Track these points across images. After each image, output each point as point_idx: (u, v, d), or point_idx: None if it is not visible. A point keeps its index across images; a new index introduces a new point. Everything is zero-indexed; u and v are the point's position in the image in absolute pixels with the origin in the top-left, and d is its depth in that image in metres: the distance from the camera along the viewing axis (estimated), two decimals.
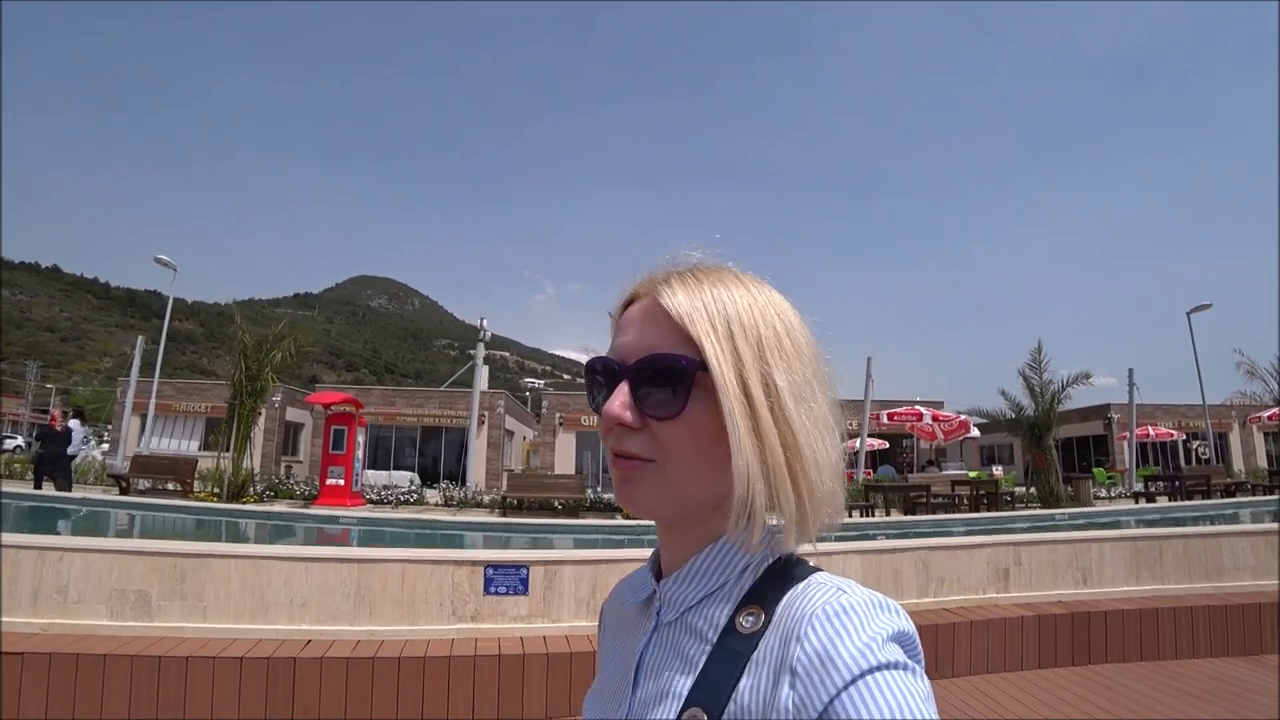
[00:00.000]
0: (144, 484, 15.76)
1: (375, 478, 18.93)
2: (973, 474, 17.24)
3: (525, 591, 4.12)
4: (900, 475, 16.12)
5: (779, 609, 0.53)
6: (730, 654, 0.52)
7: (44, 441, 14.46)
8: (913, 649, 0.49)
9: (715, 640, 0.54)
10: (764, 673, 0.49)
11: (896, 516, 11.91)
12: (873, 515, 11.33)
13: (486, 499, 13.65)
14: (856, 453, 15.89)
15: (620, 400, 0.56)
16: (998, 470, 23.29)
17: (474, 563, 4.14)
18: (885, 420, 17.03)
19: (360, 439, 14.55)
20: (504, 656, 3.75)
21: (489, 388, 28.11)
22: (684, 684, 0.53)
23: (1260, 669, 4.70)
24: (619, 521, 11.32)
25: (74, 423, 14.00)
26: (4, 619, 3.85)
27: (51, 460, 14.05)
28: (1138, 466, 18.48)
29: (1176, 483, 13.37)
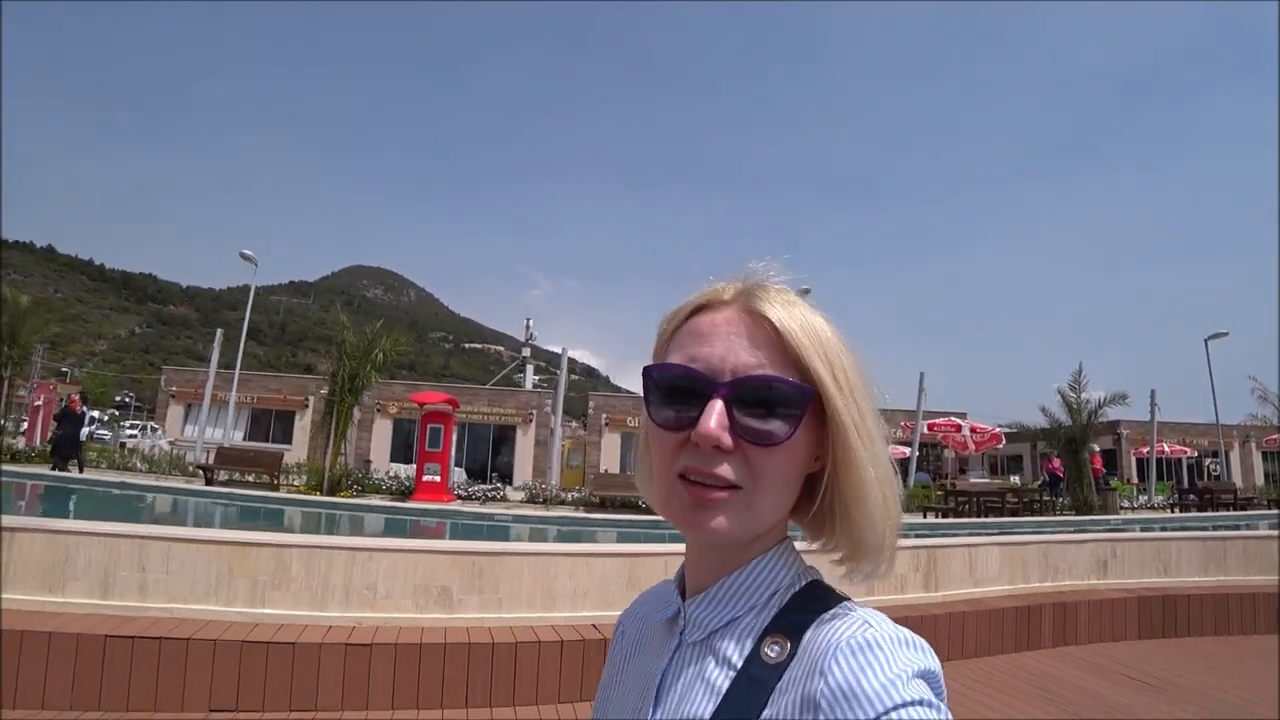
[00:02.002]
0: (223, 475, 16.57)
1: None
2: (998, 482, 18.63)
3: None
4: (935, 482, 17.51)
5: (805, 639, 0.52)
6: (754, 683, 0.51)
7: (63, 424, 15.34)
8: (937, 687, 0.48)
9: (739, 667, 0.53)
10: (787, 704, 0.49)
11: (966, 519, 13.27)
12: (959, 516, 12.75)
13: (570, 496, 14.74)
14: (906, 459, 17.23)
15: (717, 419, 0.52)
16: (1015, 479, 24.82)
17: None
18: (925, 430, 18.41)
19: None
20: None
21: (550, 388, 29.20)
22: (706, 709, 0.52)
23: None
24: None
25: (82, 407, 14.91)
26: (323, 612, 4.23)
27: (70, 442, 15.06)
28: (1157, 481, 20.17)
29: (1205, 495, 14.99)
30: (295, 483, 15.62)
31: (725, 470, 0.53)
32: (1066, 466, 15.21)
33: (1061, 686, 4.73)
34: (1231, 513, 13.81)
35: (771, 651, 0.52)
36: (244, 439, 29.66)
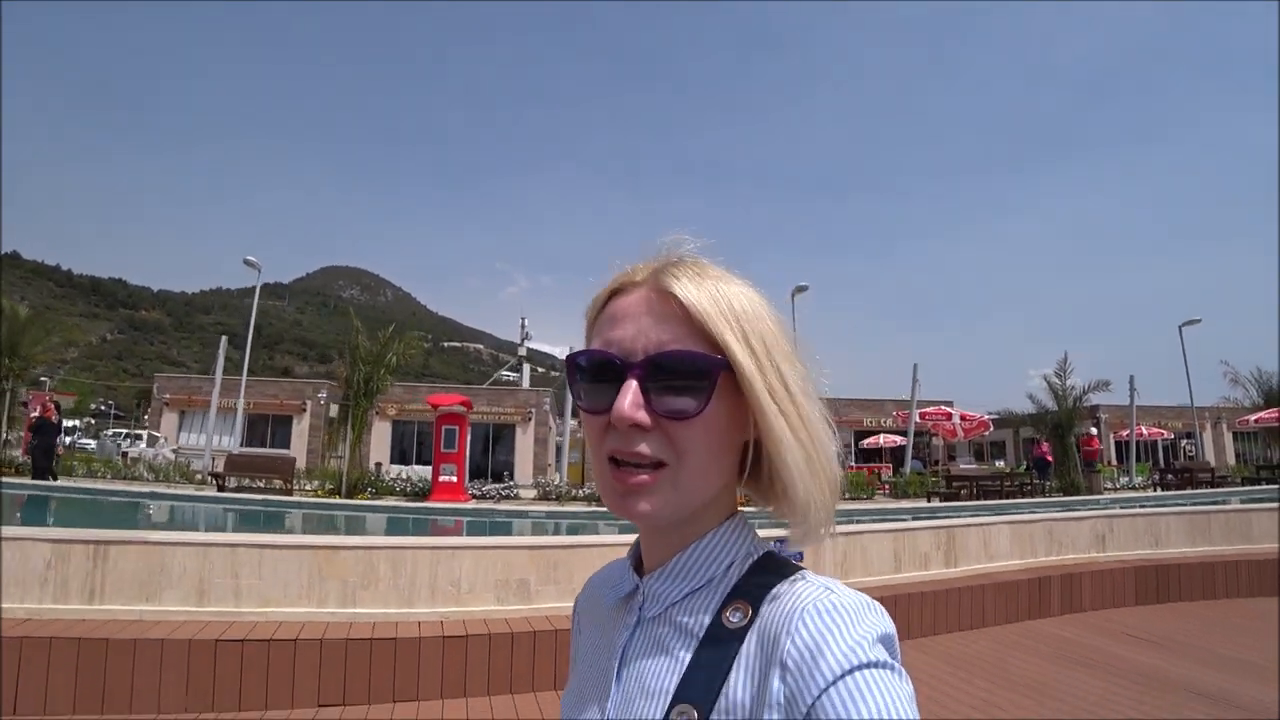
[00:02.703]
0: (231, 482, 16.65)
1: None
2: (991, 468, 19.43)
3: (801, 559, 5.82)
4: (928, 468, 18.30)
5: (766, 605, 0.52)
6: (718, 649, 0.52)
7: (39, 433, 15.22)
8: (894, 651, 0.49)
9: (702, 636, 0.54)
10: (753, 667, 0.50)
11: (954, 503, 13.96)
12: (959, 499, 13.48)
13: (582, 493, 15.17)
14: (899, 448, 17.93)
15: (631, 399, 0.53)
16: (1000, 464, 25.81)
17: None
18: (917, 419, 19.10)
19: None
20: None
21: (530, 386, 29.48)
22: (670, 681, 0.53)
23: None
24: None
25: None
26: (411, 609, 4.43)
27: (46, 451, 15.08)
28: (1137, 462, 21.18)
29: (1184, 475, 15.93)
30: (306, 487, 15.87)
31: (646, 448, 0.54)
32: (1054, 450, 16.06)
33: (1072, 646, 5.33)
34: (1210, 490, 14.74)
35: (733, 618, 0.53)
36: (240, 444, 29.71)
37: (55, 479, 15.04)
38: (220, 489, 15.11)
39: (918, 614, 5.58)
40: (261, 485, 15.49)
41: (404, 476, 15.70)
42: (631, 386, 0.54)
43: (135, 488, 14.88)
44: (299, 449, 27.49)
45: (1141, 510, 7.66)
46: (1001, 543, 6.68)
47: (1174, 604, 6.68)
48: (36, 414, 16.53)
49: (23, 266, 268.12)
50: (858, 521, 7.40)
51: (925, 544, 6.29)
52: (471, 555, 4.67)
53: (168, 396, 29.64)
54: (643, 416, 0.54)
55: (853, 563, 5.90)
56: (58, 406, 16.61)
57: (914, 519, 7.34)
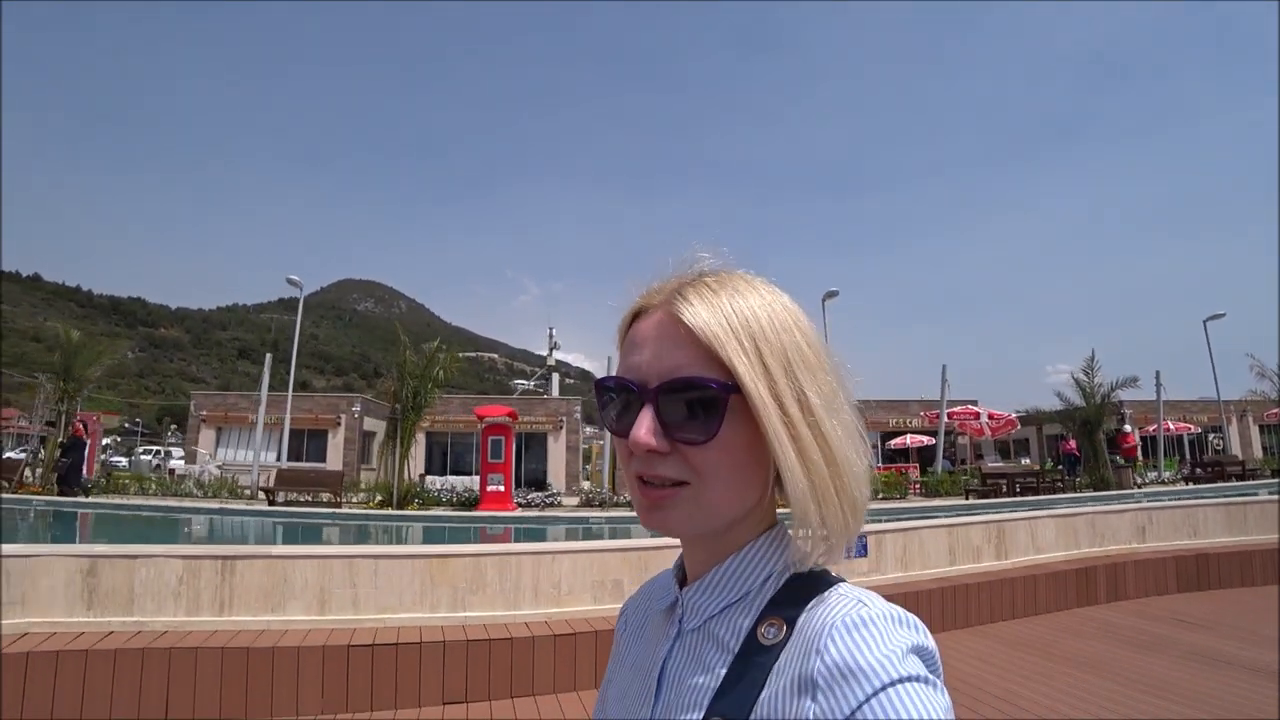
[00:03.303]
0: (281, 496, 17.12)
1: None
2: (1022, 465, 19.73)
3: (866, 554, 6.24)
4: (956, 467, 18.64)
5: (801, 620, 0.53)
6: (752, 665, 0.52)
7: (68, 452, 15.97)
8: (932, 663, 0.49)
9: (737, 651, 0.54)
10: (785, 684, 0.50)
11: (989, 500, 14.32)
12: (996, 496, 13.88)
13: (624, 498, 15.60)
14: (927, 448, 18.30)
15: (646, 426, 0.55)
16: (1025, 461, 26.08)
17: None
18: (946, 419, 19.46)
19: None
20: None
21: (561, 394, 30.02)
22: (705, 694, 0.54)
23: None
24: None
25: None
26: (516, 611, 4.67)
27: (77, 469, 15.83)
28: (1165, 457, 21.45)
29: (1214, 468, 16.22)
30: (353, 500, 16.37)
31: (666, 470, 0.55)
32: (1082, 447, 16.34)
33: (1123, 629, 5.73)
34: (1240, 482, 15.00)
35: (768, 633, 0.54)
36: (277, 459, 30.39)
37: (87, 495, 15.73)
38: (271, 503, 15.47)
39: (975, 603, 5.99)
40: (308, 499, 15.78)
41: (448, 487, 16.22)
42: (647, 414, 0.55)
43: (193, 504, 15.48)
44: (335, 462, 28.14)
45: (1180, 502, 8.03)
46: (1048, 535, 7.08)
47: (1213, 591, 7.04)
48: (68, 433, 17.02)
49: (44, 289, 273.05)
50: (908, 519, 7.81)
51: (977, 538, 6.71)
52: (570, 559, 4.99)
53: (204, 413, 30.40)
54: (658, 443, 0.55)
55: (911, 556, 6.32)
56: (85, 426, 17.40)
57: (966, 515, 7.72)
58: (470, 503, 15.25)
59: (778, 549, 0.59)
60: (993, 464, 21.15)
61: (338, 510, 13.67)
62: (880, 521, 6.85)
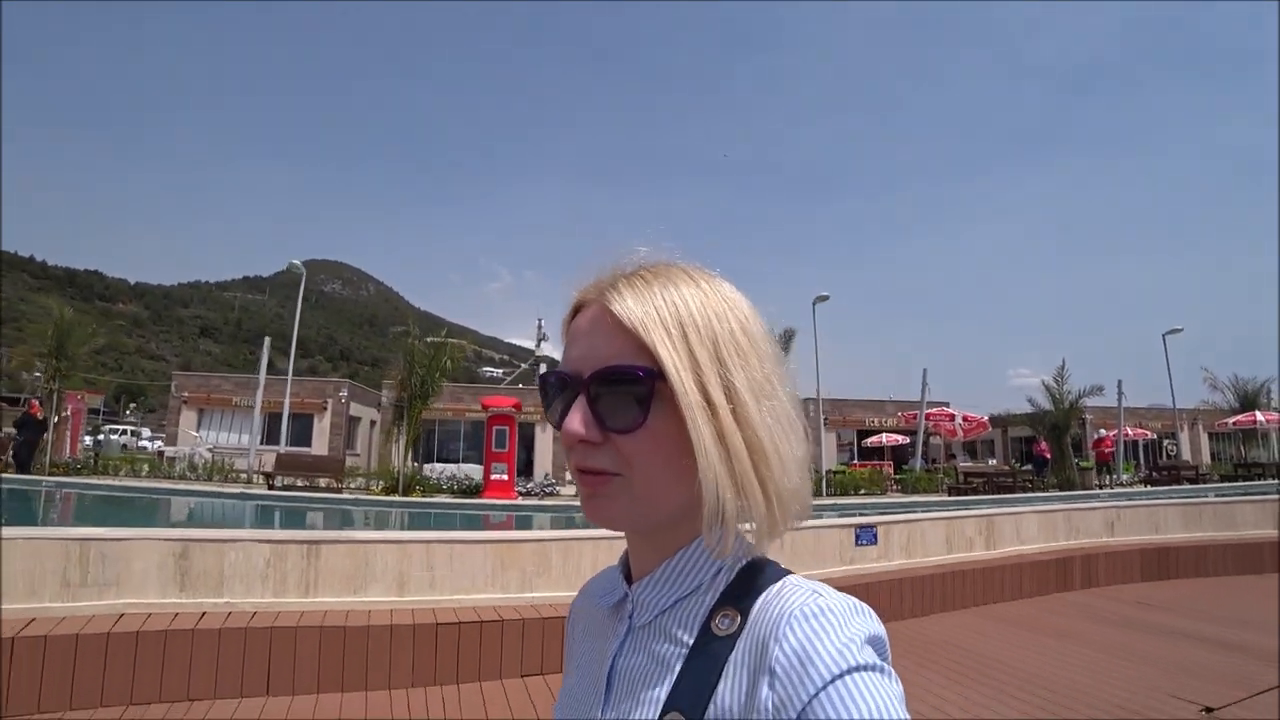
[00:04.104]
0: (281, 481, 17.08)
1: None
2: (982, 465, 20.92)
3: (875, 542, 6.96)
4: (930, 466, 19.75)
5: (754, 611, 0.53)
6: (707, 657, 0.52)
7: (24, 429, 15.95)
8: (884, 652, 0.50)
9: (691, 644, 0.54)
10: (742, 674, 0.50)
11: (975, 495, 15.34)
12: (973, 494, 14.93)
13: None
14: (901, 447, 19.28)
15: (579, 416, 0.55)
16: (992, 462, 27.48)
17: (846, 526, 6.97)
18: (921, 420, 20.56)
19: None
20: (872, 584, 6.61)
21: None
22: (660, 689, 0.53)
23: (1259, 580, 8.02)
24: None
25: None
26: (575, 592, 5.31)
27: (32, 448, 15.87)
28: (1125, 461, 22.93)
29: (1169, 472, 17.62)
30: (351, 485, 16.67)
31: (597, 462, 0.56)
32: (1051, 449, 17.54)
33: (1095, 610, 6.59)
34: (1193, 485, 16.30)
35: (722, 625, 0.53)
36: (261, 443, 30.31)
37: (31, 474, 15.23)
38: (270, 488, 15.53)
39: (970, 586, 6.78)
40: (305, 484, 15.85)
41: (448, 474, 16.67)
42: (579, 404, 0.56)
43: (196, 487, 15.64)
44: (320, 447, 28.26)
45: (1143, 502, 8.97)
46: (1030, 529, 7.93)
47: (1174, 580, 7.98)
48: (23, 411, 16.94)
49: None
50: (907, 512, 8.61)
51: (970, 530, 7.52)
52: (624, 543, 5.78)
53: (186, 394, 30.21)
54: (588, 433, 0.55)
55: (914, 545, 7.09)
56: (41, 404, 17.30)
57: (958, 510, 8.54)
58: (472, 490, 15.74)
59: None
60: (963, 464, 22.35)
61: (360, 497, 14.03)
62: (857, 515, 7.61)
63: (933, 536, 7.23)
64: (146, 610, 4.19)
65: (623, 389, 0.55)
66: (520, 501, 14.46)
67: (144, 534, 4.46)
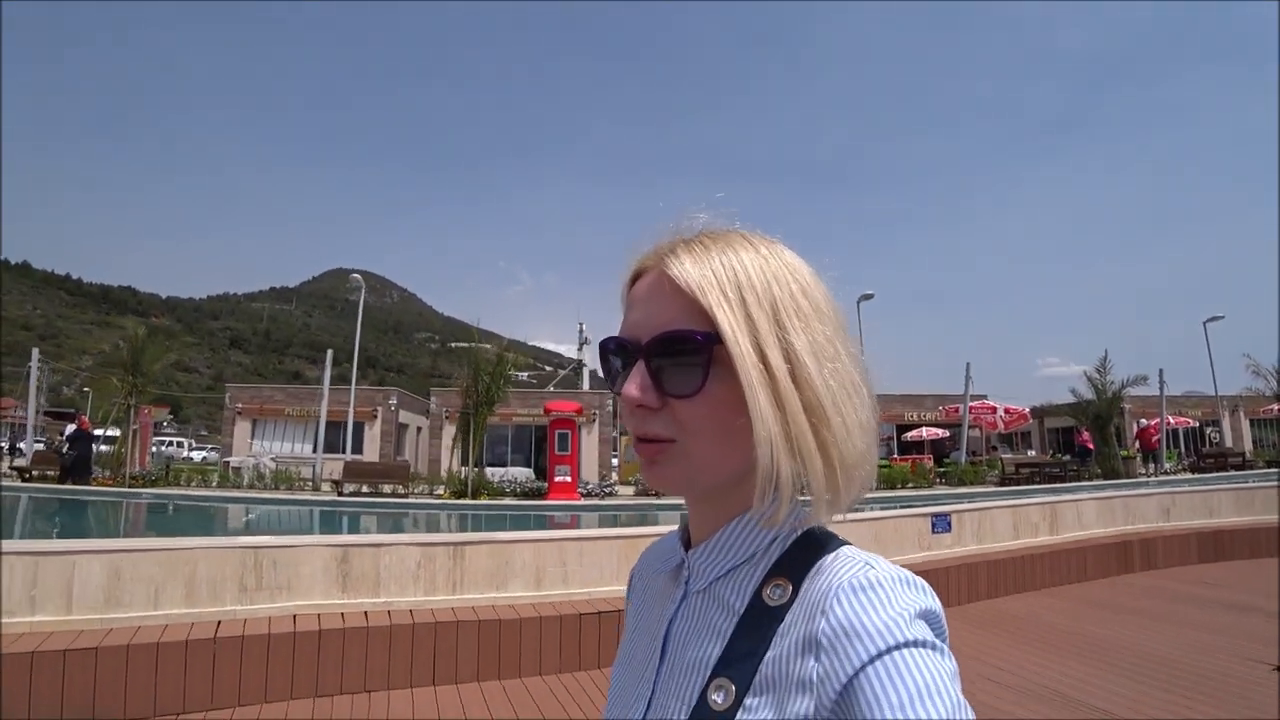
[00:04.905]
0: (349, 487, 17.21)
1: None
2: (1021, 456, 21.24)
3: (949, 529, 7.55)
4: (973, 458, 20.19)
5: (806, 582, 0.53)
6: (757, 626, 0.52)
7: (75, 445, 16.31)
8: (939, 627, 0.49)
9: (742, 612, 0.54)
10: (790, 644, 0.50)
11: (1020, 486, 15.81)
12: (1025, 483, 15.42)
13: None
14: (940, 440, 19.68)
15: (638, 381, 0.56)
16: (1031, 453, 27.77)
17: (924, 514, 7.54)
18: (962, 413, 21.01)
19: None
20: (951, 568, 7.22)
21: (590, 388, 31.23)
22: (711, 654, 0.54)
23: None
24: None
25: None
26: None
27: (85, 460, 16.22)
28: (1167, 449, 23.18)
29: (1216, 459, 17.95)
30: (415, 490, 17.46)
31: (655, 428, 0.56)
32: (1095, 439, 17.91)
33: (1160, 590, 7.11)
34: (1240, 471, 16.64)
35: (774, 594, 0.53)
36: (312, 451, 31.35)
37: (88, 485, 15.75)
38: (339, 494, 16.40)
39: (1039, 569, 7.33)
40: (369, 490, 16.64)
41: (509, 478, 17.44)
42: (638, 370, 0.56)
43: (281, 495, 16.39)
44: (371, 453, 29.27)
45: (1197, 488, 9.44)
46: (1090, 515, 8.46)
47: (1228, 561, 8.45)
48: (73, 427, 17.45)
49: (33, 276, 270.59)
50: (970, 502, 9.16)
51: (1035, 516, 8.07)
52: None
53: (240, 406, 31.41)
54: (647, 398, 0.55)
55: (985, 531, 7.66)
56: (88, 420, 17.94)
57: (1023, 498, 9.08)
58: (534, 493, 16.49)
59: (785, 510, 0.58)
60: (1005, 456, 22.73)
61: (436, 501, 14.75)
62: (901, 505, 8.17)
63: (1001, 523, 7.79)
64: (316, 610, 4.49)
65: (681, 354, 0.55)
66: (587, 502, 15.17)
67: (310, 540, 4.79)
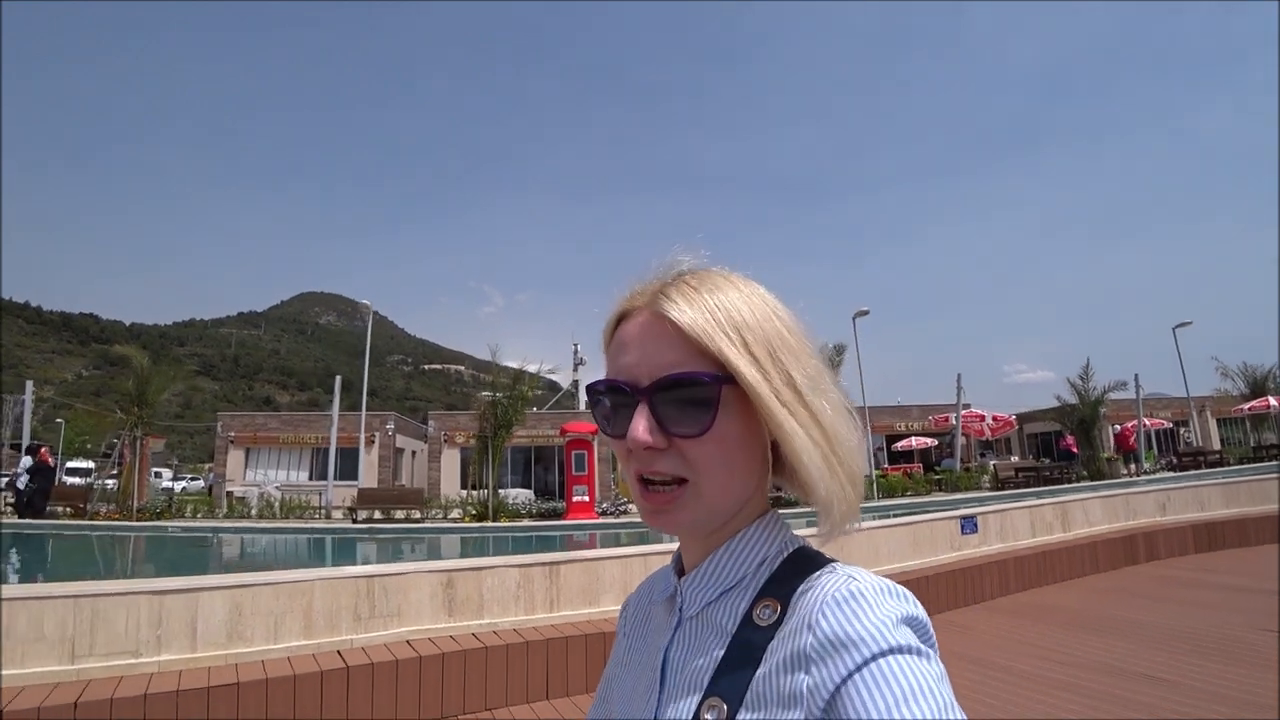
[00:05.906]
0: (362, 514, 17.36)
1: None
2: (1005, 460, 22.33)
3: (976, 530, 8.23)
4: (963, 465, 21.18)
5: (794, 600, 0.55)
6: (747, 646, 0.54)
7: (36, 477, 15.99)
8: (924, 633, 0.50)
9: (733, 633, 0.56)
10: (779, 661, 0.51)
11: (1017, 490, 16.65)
12: (1019, 487, 16.28)
13: None
14: (927, 449, 20.59)
15: (643, 424, 0.57)
16: (1014, 458, 29.02)
17: (952, 518, 8.21)
18: (953, 422, 21.97)
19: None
20: (983, 566, 7.89)
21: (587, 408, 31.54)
22: (705, 676, 0.56)
23: None
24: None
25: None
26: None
27: (45, 493, 16.05)
28: (1146, 449, 24.46)
29: (1195, 457, 19.12)
30: (433, 514, 17.65)
31: (666, 467, 0.58)
32: (1079, 442, 18.94)
33: (1165, 578, 7.87)
34: (1217, 469, 17.74)
35: (763, 614, 0.56)
36: (309, 478, 31.24)
37: (44, 519, 15.47)
38: (354, 521, 16.70)
39: (1057, 564, 8.04)
40: (382, 517, 16.88)
41: (524, 500, 17.82)
42: (643, 412, 0.58)
43: (303, 525, 16.30)
44: (369, 479, 29.29)
45: (1190, 484, 10.30)
46: (1095, 512, 9.23)
47: (1221, 551, 9.27)
48: (29, 460, 16.72)
49: None
50: (983, 505, 9.89)
51: (1049, 516, 8.81)
52: None
53: (233, 434, 31.26)
54: (655, 440, 0.57)
55: (1007, 531, 8.36)
56: (52, 451, 17.61)
57: (1034, 499, 9.83)
58: (550, 515, 16.91)
59: (772, 534, 0.62)
60: (993, 462, 23.76)
61: (460, 525, 15.01)
62: (939, 511, 8.86)
63: (1021, 523, 8.51)
64: (426, 634, 4.61)
65: (689, 395, 0.57)
66: (607, 520, 15.64)
67: (418, 567, 4.91)
